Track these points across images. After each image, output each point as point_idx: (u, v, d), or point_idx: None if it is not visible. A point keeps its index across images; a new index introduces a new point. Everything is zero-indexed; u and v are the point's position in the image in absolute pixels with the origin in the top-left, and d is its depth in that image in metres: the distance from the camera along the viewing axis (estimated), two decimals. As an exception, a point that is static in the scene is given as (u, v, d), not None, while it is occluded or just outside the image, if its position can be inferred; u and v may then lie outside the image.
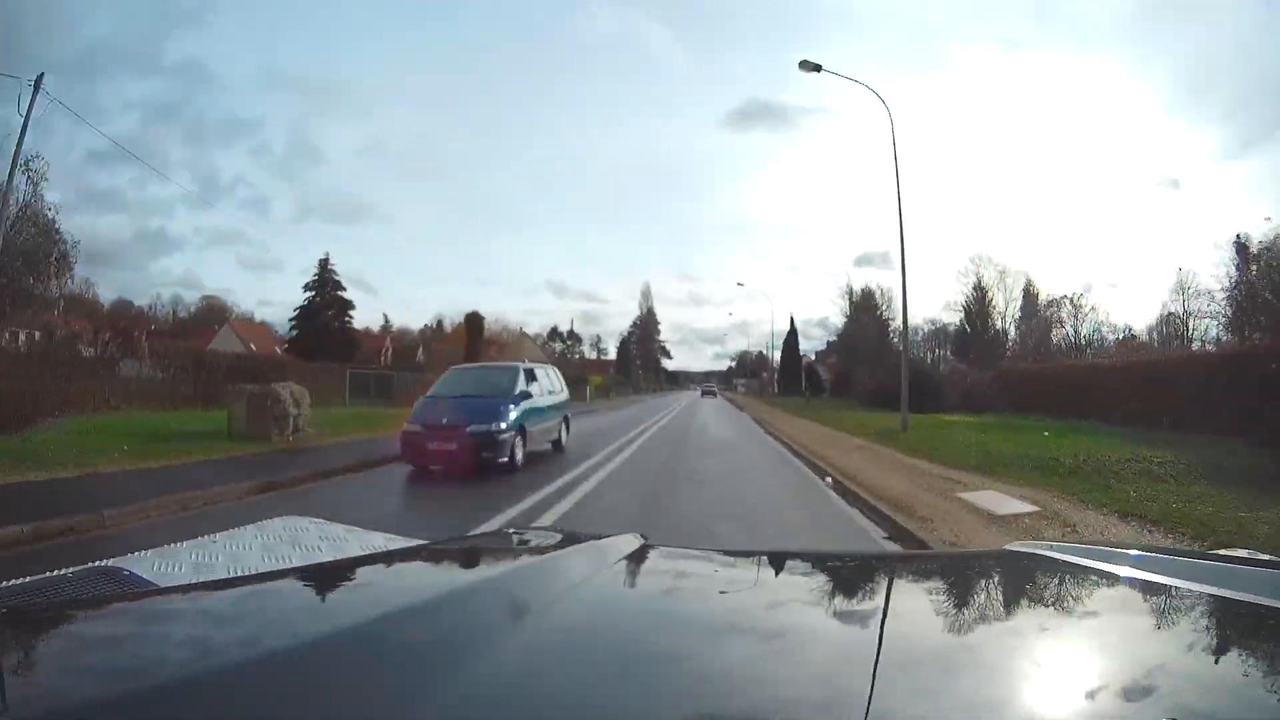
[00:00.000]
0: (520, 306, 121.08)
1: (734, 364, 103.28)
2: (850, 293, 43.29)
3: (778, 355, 53.37)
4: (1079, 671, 0.57)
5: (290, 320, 44.86)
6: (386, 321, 40.49)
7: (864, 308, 41.76)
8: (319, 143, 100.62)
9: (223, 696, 0.40)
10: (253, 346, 48.27)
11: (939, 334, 39.38)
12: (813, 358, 60.42)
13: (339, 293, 42.33)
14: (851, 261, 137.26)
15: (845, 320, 44.09)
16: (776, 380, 51.00)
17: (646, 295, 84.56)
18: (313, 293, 42.35)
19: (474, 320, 34.64)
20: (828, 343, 61.01)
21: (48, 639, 0.59)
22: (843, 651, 0.64)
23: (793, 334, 61.65)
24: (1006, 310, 36.57)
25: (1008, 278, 35.52)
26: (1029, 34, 69.05)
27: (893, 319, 40.05)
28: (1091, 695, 0.50)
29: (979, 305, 37.21)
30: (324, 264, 42.66)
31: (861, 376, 34.99)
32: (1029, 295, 35.37)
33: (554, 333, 63.01)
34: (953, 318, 38.82)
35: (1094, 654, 0.64)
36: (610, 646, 0.61)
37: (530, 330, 60.84)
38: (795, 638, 0.67)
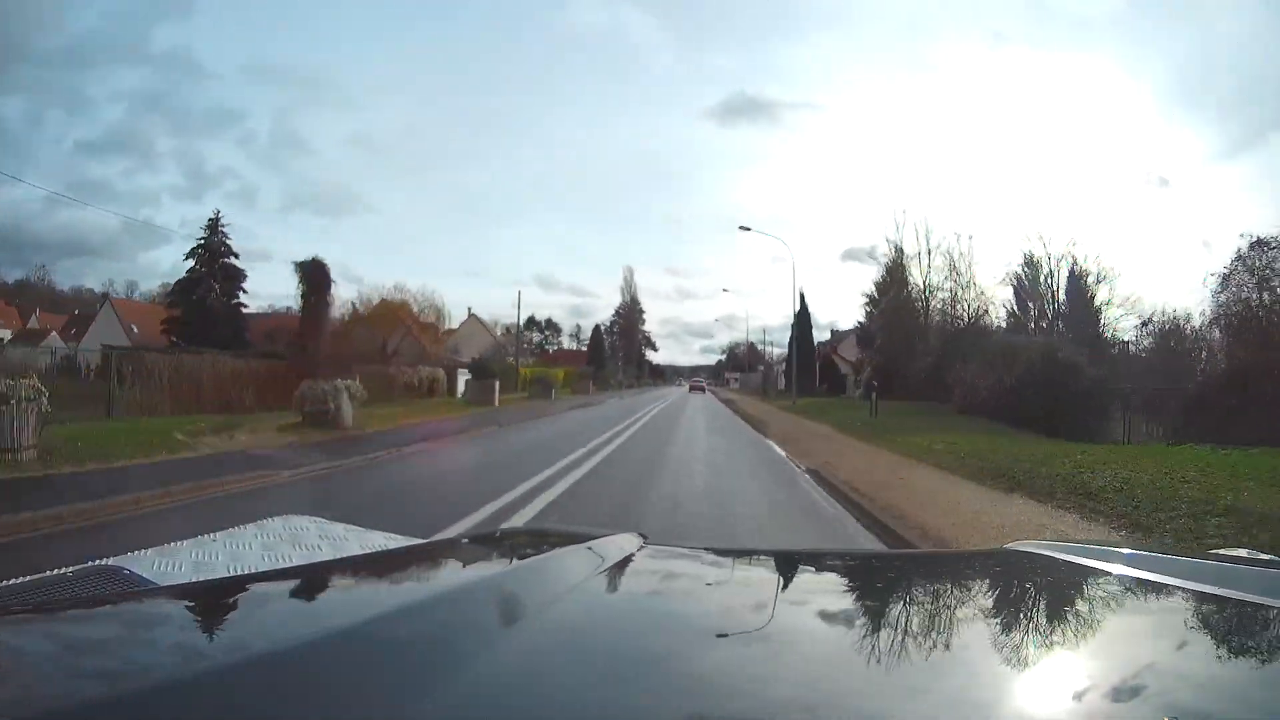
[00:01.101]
0: (509, 298, 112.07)
1: (724, 357, 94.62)
2: (899, 252, 31.52)
3: (778, 352, 42.06)
4: (1077, 671, 0.61)
5: (169, 296, 33.94)
6: (354, 308, 29.65)
7: (898, 281, 30.55)
8: (305, 135, 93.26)
9: (222, 696, 0.41)
10: (134, 329, 36.66)
11: (946, 328, 29.33)
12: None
13: (227, 260, 31.44)
14: (839, 256, 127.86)
15: (878, 300, 31.58)
16: (785, 374, 39.65)
17: (629, 283, 76.29)
18: (194, 261, 31.36)
19: (311, 271, 18.54)
20: (832, 333, 50.59)
21: (47, 638, 0.61)
22: (841, 651, 0.67)
23: (804, 315, 49.37)
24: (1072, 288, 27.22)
25: (1075, 247, 28.45)
26: (1020, 30, 61.04)
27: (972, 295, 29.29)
28: (1090, 695, 0.53)
29: (1032, 283, 27.27)
30: (214, 225, 32.74)
31: (914, 373, 24.11)
32: (1074, 275, 28.70)
33: (531, 322, 53.08)
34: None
35: (1092, 653, 0.67)
36: (608, 647, 0.65)
37: (511, 321, 49.74)
38: (794, 637, 0.71)
